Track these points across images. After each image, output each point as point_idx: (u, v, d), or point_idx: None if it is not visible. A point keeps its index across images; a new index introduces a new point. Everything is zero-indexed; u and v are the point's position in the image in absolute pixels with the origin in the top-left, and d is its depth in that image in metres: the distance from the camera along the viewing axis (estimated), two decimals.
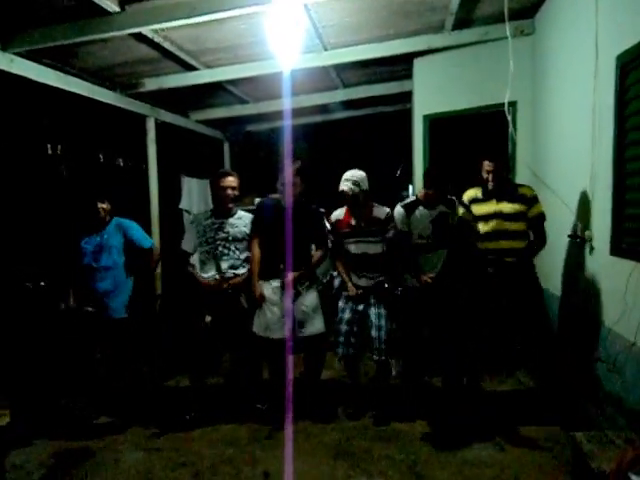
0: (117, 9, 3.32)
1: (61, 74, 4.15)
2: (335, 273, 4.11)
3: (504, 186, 3.33)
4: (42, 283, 4.19)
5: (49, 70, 4.02)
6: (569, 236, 3.34)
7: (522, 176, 4.30)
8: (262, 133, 7.66)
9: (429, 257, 3.42)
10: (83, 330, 3.67)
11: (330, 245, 3.52)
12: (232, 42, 4.17)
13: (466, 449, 2.96)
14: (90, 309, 3.64)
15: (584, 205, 3.26)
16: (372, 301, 3.36)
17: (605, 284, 2.99)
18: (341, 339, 3.40)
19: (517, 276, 3.27)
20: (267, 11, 3.42)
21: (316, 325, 3.42)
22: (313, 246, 3.62)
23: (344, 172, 3.38)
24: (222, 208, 3.56)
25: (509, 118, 3.82)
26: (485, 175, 3.34)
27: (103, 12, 3.32)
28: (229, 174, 3.56)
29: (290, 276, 3.33)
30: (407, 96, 5.89)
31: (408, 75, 5.45)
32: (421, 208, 3.41)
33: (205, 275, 3.53)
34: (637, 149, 2.60)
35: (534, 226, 3.30)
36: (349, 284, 3.40)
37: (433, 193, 3.37)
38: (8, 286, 3.93)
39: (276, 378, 3.54)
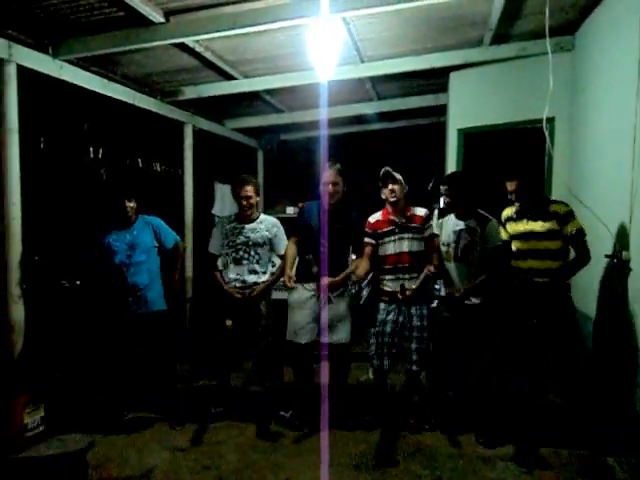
0: (162, 20, 3.43)
1: (106, 81, 4.31)
2: (364, 283, 4.09)
3: (535, 204, 3.23)
4: (78, 282, 4.31)
5: (95, 77, 4.19)
6: (606, 256, 3.26)
7: (558, 193, 4.22)
8: (296, 142, 7.74)
9: (449, 266, 3.37)
10: (125, 326, 3.73)
11: (365, 247, 3.43)
12: (270, 53, 4.26)
13: (492, 469, 2.90)
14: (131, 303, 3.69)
15: (622, 225, 3.18)
16: (414, 312, 3.31)
17: None
18: (379, 351, 3.34)
19: (549, 296, 3.16)
20: (306, 23, 3.48)
21: (343, 334, 3.41)
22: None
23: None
24: (242, 214, 3.63)
25: (547, 134, 3.76)
26: (509, 196, 3.29)
27: (148, 22, 3.44)
28: (246, 183, 3.58)
29: (325, 280, 3.33)
30: (442, 109, 5.88)
31: (443, 88, 5.45)
32: (452, 216, 3.37)
33: (226, 278, 3.60)
34: None
35: (574, 243, 3.13)
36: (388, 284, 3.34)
37: (450, 199, 3.30)
38: (44, 284, 4.06)
39: (301, 384, 3.55)
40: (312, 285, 3.41)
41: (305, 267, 3.44)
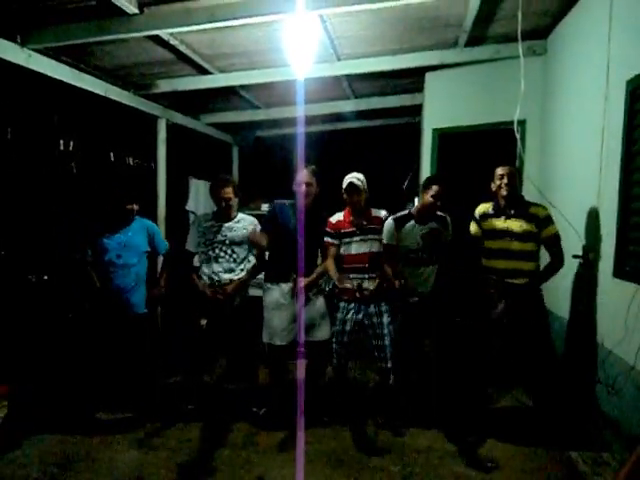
0: (136, 11, 3.36)
1: (76, 72, 4.20)
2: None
3: (515, 203, 3.22)
4: (45, 277, 4.21)
5: (65, 67, 4.08)
6: (574, 256, 3.34)
7: (529, 194, 4.29)
8: (272, 139, 7.71)
9: (419, 272, 3.40)
10: (100, 326, 3.67)
11: (329, 247, 3.44)
12: (247, 48, 4.22)
13: (461, 464, 2.95)
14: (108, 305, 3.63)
15: (589, 226, 3.27)
16: (373, 310, 3.35)
17: (607, 306, 3.01)
18: (340, 350, 3.39)
19: (522, 298, 3.17)
20: (283, 20, 3.48)
21: (324, 330, 3.44)
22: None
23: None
24: (221, 212, 3.62)
25: (518, 136, 3.84)
26: (498, 182, 3.22)
27: (122, 13, 3.37)
28: (226, 184, 3.57)
29: (303, 281, 3.34)
30: (417, 109, 5.93)
31: (419, 88, 5.49)
32: (412, 222, 3.38)
33: (202, 276, 3.59)
34: None
35: (550, 247, 3.16)
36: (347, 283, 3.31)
37: (433, 202, 3.27)
38: (10, 278, 3.95)
39: (274, 383, 3.55)
40: (289, 285, 3.41)
41: (280, 267, 3.43)
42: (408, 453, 3.09)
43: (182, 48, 4.09)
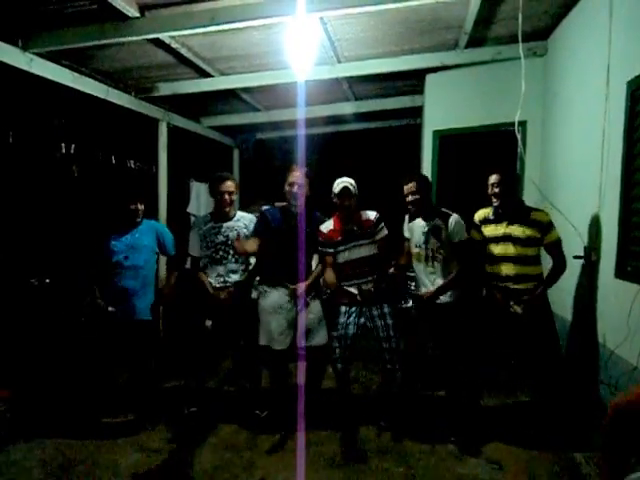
0: (137, 14, 3.38)
1: (77, 75, 4.22)
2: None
3: (516, 208, 3.22)
4: (47, 280, 4.22)
5: (66, 71, 4.09)
6: (575, 257, 3.34)
7: (530, 196, 4.32)
8: (272, 141, 7.72)
9: (423, 268, 3.39)
10: (103, 329, 3.65)
11: (325, 257, 3.43)
12: (247, 51, 4.23)
13: (464, 465, 2.95)
14: (111, 309, 3.59)
15: (591, 227, 3.27)
16: (376, 313, 3.34)
17: (610, 307, 3.00)
18: (344, 354, 3.36)
19: (528, 302, 3.14)
20: (284, 22, 3.48)
21: (321, 336, 3.42)
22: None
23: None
24: (220, 212, 3.58)
25: (519, 137, 3.84)
26: (490, 190, 3.24)
27: (123, 16, 3.38)
28: (227, 178, 3.55)
29: (303, 286, 3.33)
30: (417, 111, 5.95)
31: (419, 90, 5.51)
32: (419, 218, 3.39)
33: (209, 279, 3.55)
34: None
35: (552, 252, 3.16)
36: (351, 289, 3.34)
37: (412, 200, 3.31)
38: (12, 282, 3.96)
39: (276, 387, 3.54)
40: (286, 290, 3.39)
41: (277, 271, 3.42)
42: (411, 454, 3.09)
43: (183, 51, 4.10)
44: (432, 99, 5.11)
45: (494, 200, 3.25)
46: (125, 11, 3.30)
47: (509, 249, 3.19)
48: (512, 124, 3.70)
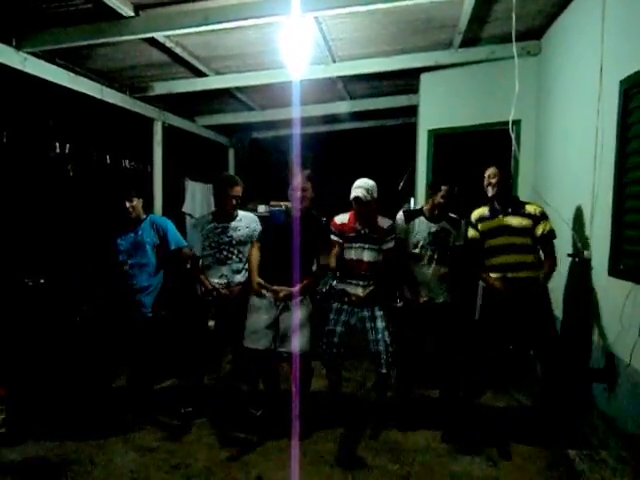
0: (132, 14, 3.38)
1: (72, 75, 4.21)
2: (334, 282, 4.09)
3: (510, 202, 3.27)
4: (42, 280, 4.20)
5: (61, 70, 4.09)
6: (569, 255, 3.37)
7: (524, 194, 4.33)
8: (267, 140, 7.73)
9: (423, 270, 3.40)
10: (103, 330, 3.64)
11: (333, 244, 3.38)
12: (242, 50, 4.24)
13: (459, 463, 2.96)
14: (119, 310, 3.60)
15: (584, 225, 3.29)
16: (366, 314, 3.33)
17: (603, 304, 3.02)
18: (329, 350, 3.35)
19: (528, 297, 3.16)
20: (279, 22, 3.48)
21: (299, 343, 3.24)
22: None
23: (347, 182, 3.37)
24: (225, 212, 3.58)
25: (513, 136, 3.86)
26: (486, 181, 3.25)
27: (117, 16, 3.38)
28: (237, 183, 3.54)
29: (297, 288, 3.29)
30: (412, 110, 5.96)
31: (414, 89, 5.52)
32: (422, 218, 3.41)
33: (212, 279, 3.53)
34: (638, 172, 2.64)
35: (544, 244, 3.19)
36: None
37: (444, 203, 3.31)
38: (6, 282, 3.94)
39: (267, 387, 3.54)
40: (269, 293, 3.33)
41: (272, 273, 3.39)
42: (406, 452, 3.10)
43: (178, 50, 4.10)
44: (427, 98, 5.12)
45: (490, 190, 3.25)
46: (120, 10, 3.30)
47: (506, 239, 3.22)
48: (506, 123, 3.72)
